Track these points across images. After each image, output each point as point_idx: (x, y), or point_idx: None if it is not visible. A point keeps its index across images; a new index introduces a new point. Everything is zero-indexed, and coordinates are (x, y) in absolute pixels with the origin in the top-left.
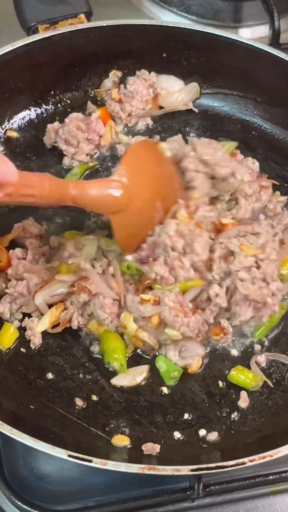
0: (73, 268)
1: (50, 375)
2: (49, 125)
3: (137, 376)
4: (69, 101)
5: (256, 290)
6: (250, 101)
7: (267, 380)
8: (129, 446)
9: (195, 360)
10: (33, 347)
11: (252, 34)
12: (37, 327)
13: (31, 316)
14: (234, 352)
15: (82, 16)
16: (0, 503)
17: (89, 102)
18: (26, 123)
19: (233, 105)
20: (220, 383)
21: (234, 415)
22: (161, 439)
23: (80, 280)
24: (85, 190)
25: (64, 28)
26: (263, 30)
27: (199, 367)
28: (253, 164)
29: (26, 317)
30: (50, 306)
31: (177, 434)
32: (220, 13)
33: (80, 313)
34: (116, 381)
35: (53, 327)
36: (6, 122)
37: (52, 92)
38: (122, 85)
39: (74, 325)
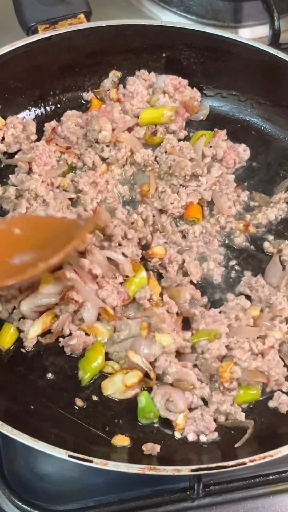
0: (57, 276)
1: (50, 375)
2: (46, 124)
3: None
4: (68, 101)
5: None
6: (250, 101)
7: None
8: (129, 446)
9: (179, 418)
10: (27, 350)
11: (252, 34)
12: (29, 333)
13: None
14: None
15: (82, 16)
16: (0, 503)
17: (84, 94)
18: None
19: (233, 105)
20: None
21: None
22: (161, 439)
23: (67, 291)
24: None
25: (63, 28)
26: (263, 30)
27: (184, 425)
28: (244, 151)
29: (22, 319)
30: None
31: (177, 434)
32: (220, 13)
33: (70, 320)
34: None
35: (46, 332)
36: None
37: (52, 92)
38: (121, 85)
39: (66, 333)
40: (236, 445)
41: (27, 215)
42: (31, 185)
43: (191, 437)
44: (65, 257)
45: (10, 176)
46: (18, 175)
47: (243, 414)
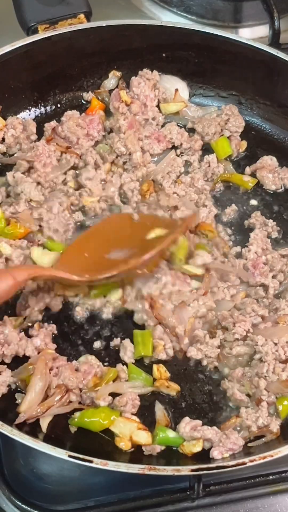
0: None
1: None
2: (46, 124)
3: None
4: (68, 101)
5: None
6: (250, 101)
7: None
8: None
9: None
10: None
11: (252, 34)
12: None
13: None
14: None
15: (82, 16)
16: (0, 503)
17: (84, 94)
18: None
19: (233, 105)
20: (221, 383)
21: (235, 415)
22: None
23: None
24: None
25: (63, 28)
26: (263, 30)
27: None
28: (271, 160)
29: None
30: None
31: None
32: (220, 13)
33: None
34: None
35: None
36: None
37: (52, 92)
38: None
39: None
40: (250, 445)
41: (124, 214)
42: (25, 188)
43: (217, 455)
44: (157, 254)
45: (7, 173)
46: (16, 173)
47: (277, 423)
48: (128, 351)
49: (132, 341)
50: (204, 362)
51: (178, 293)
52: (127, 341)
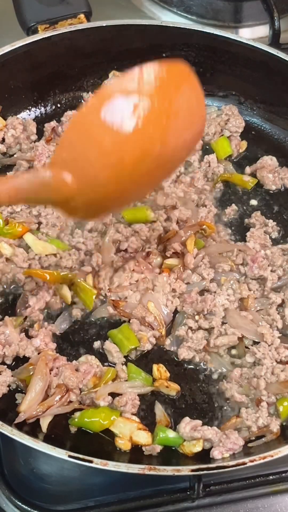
0: None
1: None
2: (46, 124)
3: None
4: (68, 101)
5: None
6: (250, 101)
7: None
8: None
9: (198, 445)
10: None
11: (252, 34)
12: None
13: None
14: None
15: (82, 16)
16: (0, 503)
17: (84, 94)
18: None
19: (233, 105)
20: (221, 383)
21: (235, 415)
22: None
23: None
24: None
25: (63, 28)
26: (263, 30)
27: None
28: (271, 160)
29: None
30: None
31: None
32: (220, 13)
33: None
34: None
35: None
36: None
37: (52, 92)
38: None
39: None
40: (250, 445)
41: None
42: None
43: (217, 455)
44: None
45: (7, 173)
46: (16, 173)
47: (277, 423)
48: (114, 353)
49: (112, 342)
50: (197, 359)
51: (144, 280)
52: (107, 344)
